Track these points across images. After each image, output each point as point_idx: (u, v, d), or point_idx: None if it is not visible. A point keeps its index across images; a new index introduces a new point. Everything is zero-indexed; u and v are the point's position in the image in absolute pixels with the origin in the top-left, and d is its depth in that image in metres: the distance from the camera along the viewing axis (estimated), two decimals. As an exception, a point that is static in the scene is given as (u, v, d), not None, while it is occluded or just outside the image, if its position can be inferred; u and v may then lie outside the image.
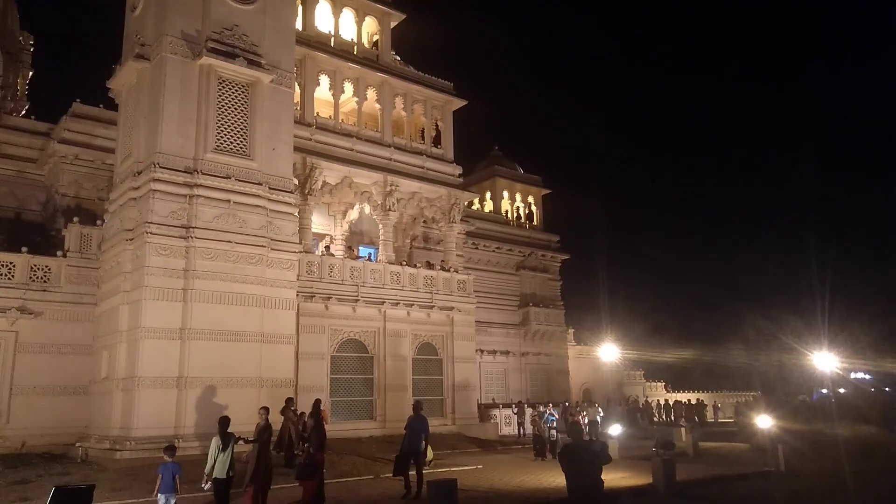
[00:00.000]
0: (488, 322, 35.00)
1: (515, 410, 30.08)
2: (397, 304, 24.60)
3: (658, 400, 42.85)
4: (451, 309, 26.21)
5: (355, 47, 27.18)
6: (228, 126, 20.17)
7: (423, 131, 28.93)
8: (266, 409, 12.96)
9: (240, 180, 19.81)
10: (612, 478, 15.11)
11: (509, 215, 41.74)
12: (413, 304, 25.04)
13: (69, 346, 20.15)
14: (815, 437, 21.78)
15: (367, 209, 26.60)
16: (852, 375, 41.54)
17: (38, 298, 19.87)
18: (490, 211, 41.11)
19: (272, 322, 19.83)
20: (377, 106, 27.18)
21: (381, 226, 26.36)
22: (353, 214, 27.59)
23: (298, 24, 24.66)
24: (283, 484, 13.79)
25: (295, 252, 21.08)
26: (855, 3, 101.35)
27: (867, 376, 43.51)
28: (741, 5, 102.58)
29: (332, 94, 25.83)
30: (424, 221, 30.16)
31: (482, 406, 29.70)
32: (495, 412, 30.21)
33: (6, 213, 24.12)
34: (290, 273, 20.74)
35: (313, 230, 25.09)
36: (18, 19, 30.77)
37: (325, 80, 25.62)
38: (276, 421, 15.65)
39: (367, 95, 26.75)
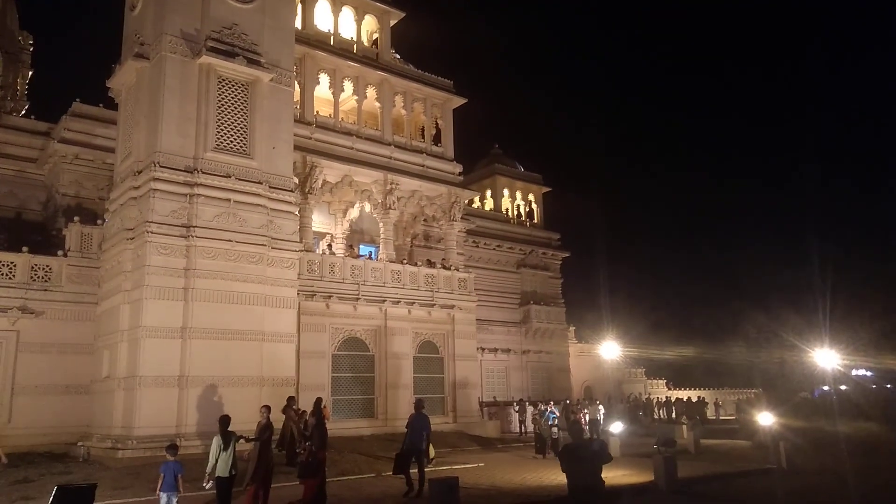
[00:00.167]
0: (489, 320, 34.99)
1: (517, 408, 30.09)
2: (398, 302, 24.61)
3: (659, 397, 42.81)
4: (452, 307, 26.23)
5: (355, 46, 27.16)
6: (228, 125, 20.16)
7: (423, 129, 28.93)
8: (267, 408, 12.96)
9: (240, 179, 19.81)
10: (614, 475, 15.12)
11: (510, 213, 41.76)
12: (414, 303, 25.06)
13: (70, 345, 20.15)
14: (817, 434, 21.82)
15: (368, 208, 26.60)
16: (853, 372, 41.60)
17: (39, 298, 19.88)
18: (490, 209, 41.10)
19: (273, 321, 19.83)
20: (377, 104, 27.18)
21: (381, 224, 26.38)
22: (354, 213, 27.60)
23: (298, 23, 24.65)
24: (285, 482, 13.80)
25: (295, 251, 21.08)
26: (855, 2, 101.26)
27: (868, 373, 43.57)
28: (741, 4, 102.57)
29: (332, 93, 25.84)
30: (425, 220, 30.18)
31: (483, 404, 29.72)
32: (496, 410, 30.22)
33: (7, 213, 24.12)
34: (290, 272, 20.74)
35: (314, 229, 25.11)
36: (18, 19, 30.80)
37: (324, 79, 25.62)
38: (278, 419, 15.63)
39: (367, 94, 26.75)
